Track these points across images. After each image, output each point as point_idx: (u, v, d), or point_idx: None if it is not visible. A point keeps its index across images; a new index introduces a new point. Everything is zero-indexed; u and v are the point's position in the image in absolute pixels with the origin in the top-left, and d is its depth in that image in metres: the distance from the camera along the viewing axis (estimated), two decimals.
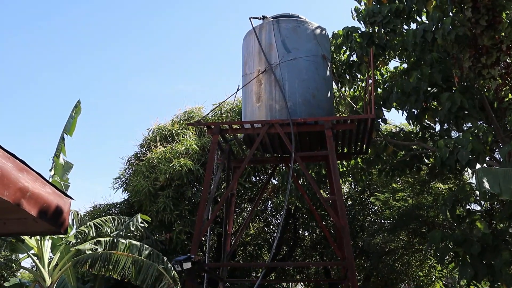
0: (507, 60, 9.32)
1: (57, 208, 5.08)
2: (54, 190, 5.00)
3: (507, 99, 9.74)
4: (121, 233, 14.48)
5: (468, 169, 10.67)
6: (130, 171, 19.23)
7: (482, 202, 11.88)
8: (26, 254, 14.54)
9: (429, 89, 10.41)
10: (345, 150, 10.62)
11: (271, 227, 20.89)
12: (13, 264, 14.44)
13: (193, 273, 7.99)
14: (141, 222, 14.78)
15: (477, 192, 9.29)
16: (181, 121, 19.15)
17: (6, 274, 14.75)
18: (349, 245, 7.77)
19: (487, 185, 6.55)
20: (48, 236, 14.34)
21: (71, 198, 5.30)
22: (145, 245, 13.94)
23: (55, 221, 5.10)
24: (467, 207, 10.26)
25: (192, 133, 18.21)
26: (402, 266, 18.27)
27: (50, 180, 10.05)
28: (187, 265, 7.88)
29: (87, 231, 14.13)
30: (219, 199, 14.44)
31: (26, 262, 15.54)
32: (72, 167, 14.76)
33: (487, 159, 10.48)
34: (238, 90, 9.97)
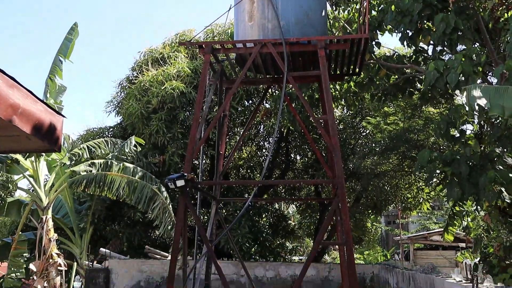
0: None
1: (50, 126, 5.10)
2: (45, 108, 5.01)
3: (502, 19, 9.61)
4: (114, 155, 14.64)
5: (458, 92, 10.70)
6: (122, 94, 19.17)
7: (474, 122, 12.01)
8: (21, 175, 14.75)
9: (423, 9, 10.21)
10: (338, 72, 10.59)
11: (264, 151, 21.15)
12: (9, 185, 14.66)
13: (187, 191, 8.16)
14: (134, 145, 14.92)
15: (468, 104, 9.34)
16: (173, 44, 18.89)
17: (3, 194, 15.03)
18: (339, 164, 7.92)
19: (477, 101, 6.57)
20: (43, 157, 14.50)
21: (63, 116, 5.32)
22: (138, 168, 14.15)
23: (49, 138, 5.13)
24: (461, 128, 10.37)
25: (184, 55, 18.01)
26: (391, 188, 18.69)
27: None
28: (181, 183, 8.03)
29: (81, 153, 14.27)
30: (210, 123, 14.53)
31: (23, 184, 15.75)
32: (65, 90, 14.67)
33: (480, 81, 10.49)
34: (230, 8, 9.76)
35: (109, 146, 15.23)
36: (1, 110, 3.96)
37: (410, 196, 19.40)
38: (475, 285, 4.57)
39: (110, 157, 14.72)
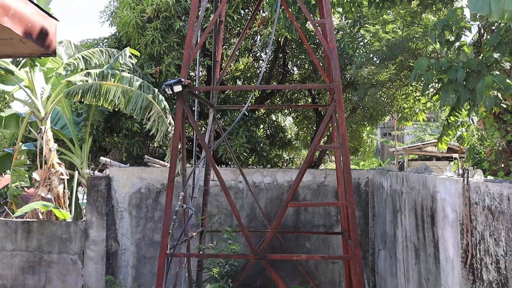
0: None
1: (43, 29, 5.03)
2: (37, 10, 4.91)
3: None
4: (110, 66, 14.51)
5: None
6: (116, 3, 18.67)
7: (473, 30, 11.85)
8: (17, 86, 14.69)
9: None
10: None
11: (260, 62, 20.94)
12: (6, 96, 14.65)
13: (184, 96, 8.17)
14: (130, 56, 14.74)
15: (468, 17, 9.21)
16: None
17: (1, 106, 15.05)
18: (337, 68, 7.89)
19: (477, 7, 6.45)
20: (38, 68, 14.37)
21: (56, 19, 5.22)
22: (135, 77, 14.05)
23: (42, 41, 5.08)
24: (457, 32, 10.20)
25: None
26: (388, 98, 18.70)
27: None
28: (178, 88, 8.04)
29: (76, 63, 14.13)
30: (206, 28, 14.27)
31: (19, 95, 15.72)
32: None
33: None
34: None
35: (104, 56, 15.06)
36: None
37: (406, 106, 19.46)
38: (465, 178, 4.72)
39: (106, 68, 14.60)
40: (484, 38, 13.07)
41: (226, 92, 17.87)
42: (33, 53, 5.42)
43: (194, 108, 12.12)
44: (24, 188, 15.69)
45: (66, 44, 15.85)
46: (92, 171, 13.12)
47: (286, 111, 23.23)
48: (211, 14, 15.62)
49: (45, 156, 13.85)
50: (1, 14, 4.22)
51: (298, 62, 19.94)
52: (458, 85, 9.54)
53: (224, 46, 17.17)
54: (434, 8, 14.14)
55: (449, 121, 13.46)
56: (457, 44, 9.81)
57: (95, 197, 12.74)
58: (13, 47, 5.19)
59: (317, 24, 8.60)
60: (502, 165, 9.37)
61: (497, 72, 9.31)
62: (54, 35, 5.16)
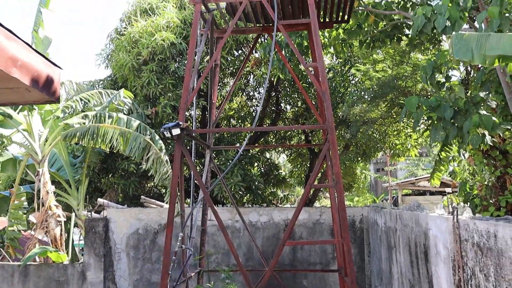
0: None
1: (48, 77, 5.28)
2: (43, 60, 5.18)
3: None
4: (107, 107, 14.78)
5: (445, 37, 10.90)
6: (111, 46, 19.10)
7: (461, 69, 12.25)
8: (15, 129, 14.90)
9: None
10: (327, 19, 10.71)
11: (254, 101, 21.32)
12: (4, 140, 14.83)
13: (182, 139, 8.41)
14: (124, 97, 15.04)
15: (453, 55, 9.57)
16: None
17: None
18: (329, 109, 8.17)
19: (460, 52, 6.79)
20: (36, 111, 14.62)
21: (60, 68, 5.49)
22: (132, 118, 14.31)
23: (47, 89, 5.32)
24: (446, 73, 10.59)
25: (173, 6, 17.90)
26: (380, 135, 19.04)
27: None
28: (176, 131, 8.28)
29: (74, 105, 14.39)
30: (201, 73, 14.63)
31: (17, 138, 15.91)
32: (51, 42, 14.64)
33: (467, 26, 10.68)
34: None
35: (104, 98, 15.34)
36: (1, 63, 4.14)
37: (398, 142, 19.79)
38: (455, 216, 4.93)
39: (103, 108, 14.87)
40: (471, 75, 13.50)
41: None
42: (38, 100, 5.64)
43: (188, 147, 12.36)
44: (21, 230, 15.71)
45: (69, 85, 16.19)
46: (90, 213, 13.22)
47: (280, 149, 23.50)
48: (206, 56, 16.04)
49: (42, 198, 13.95)
50: (9, 65, 4.46)
51: (291, 101, 20.34)
52: (447, 123, 9.86)
53: (218, 86, 17.55)
54: (423, 48, 14.63)
55: (441, 156, 13.78)
56: (447, 84, 10.18)
57: (92, 238, 12.80)
58: (19, 95, 5.41)
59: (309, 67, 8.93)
60: (493, 200, 9.59)
61: (484, 112, 9.66)
62: (58, 83, 5.40)
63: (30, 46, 4.58)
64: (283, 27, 8.94)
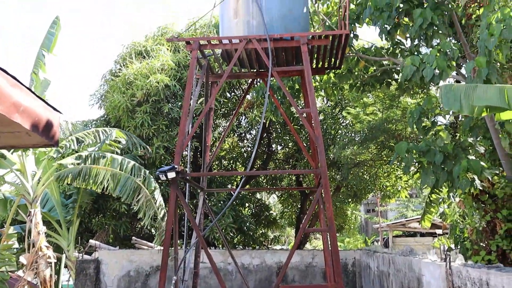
0: None
1: (48, 122, 5.40)
2: (44, 105, 5.30)
3: (474, 15, 10.11)
4: (101, 148, 14.84)
5: (432, 84, 11.23)
6: (105, 87, 19.33)
7: (447, 116, 12.55)
8: (9, 169, 14.88)
9: (401, 5, 10.67)
10: (319, 65, 11.01)
11: (245, 141, 21.53)
12: None
13: (177, 182, 8.51)
14: (116, 137, 15.12)
15: (442, 105, 9.85)
16: (155, 37, 19.09)
17: None
18: (323, 153, 8.35)
19: (448, 103, 7.03)
20: (31, 151, 14.65)
21: (59, 112, 5.63)
22: (126, 159, 14.37)
23: (47, 134, 5.43)
24: (433, 119, 10.84)
25: (167, 48, 18.24)
26: (371, 177, 19.25)
27: None
28: (172, 175, 8.40)
29: (68, 145, 14.45)
30: (194, 115, 14.83)
31: (9, 177, 15.87)
32: (50, 84, 14.83)
33: (455, 74, 11.02)
34: (215, 6, 10.08)
35: (101, 136, 15.40)
36: (4, 109, 4.26)
37: (388, 184, 19.99)
38: (448, 263, 5.04)
39: (97, 148, 14.93)
40: (459, 119, 13.81)
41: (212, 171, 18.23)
42: (37, 144, 5.74)
43: (184, 190, 12.41)
44: (9, 272, 15.48)
45: (64, 126, 16.29)
46: (81, 254, 13.11)
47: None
48: (199, 98, 16.27)
49: (33, 239, 13.81)
50: (12, 111, 4.57)
51: (282, 142, 20.56)
52: (437, 168, 10.06)
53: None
54: (412, 92, 14.99)
55: (431, 198, 13.93)
56: (433, 130, 10.42)
57: (83, 280, 12.68)
58: (19, 139, 5.50)
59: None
60: (484, 245, 9.70)
61: (473, 157, 9.88)
62: (57, 127, 5.51)
63: (32, 92, 4.71)
64: (277, 74, 9.19)
